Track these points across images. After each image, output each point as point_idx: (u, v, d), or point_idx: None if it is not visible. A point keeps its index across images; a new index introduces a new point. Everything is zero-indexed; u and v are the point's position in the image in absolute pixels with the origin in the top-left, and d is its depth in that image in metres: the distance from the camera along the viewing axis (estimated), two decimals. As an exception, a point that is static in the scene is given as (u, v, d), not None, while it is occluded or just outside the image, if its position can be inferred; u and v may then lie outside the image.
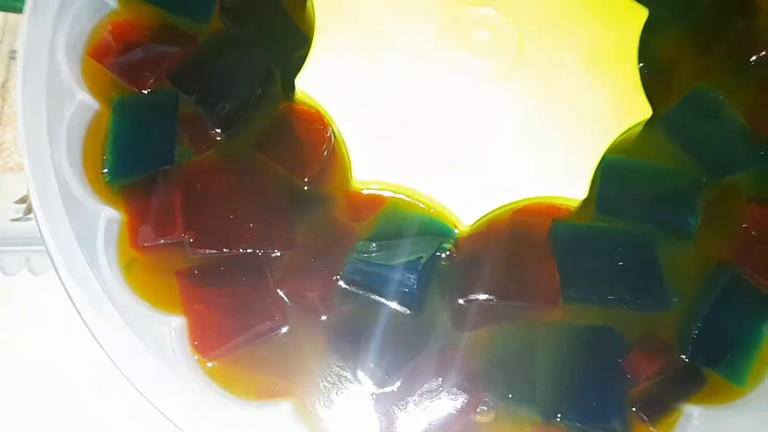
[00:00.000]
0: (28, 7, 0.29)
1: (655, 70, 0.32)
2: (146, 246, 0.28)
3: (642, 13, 0.31)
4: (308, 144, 0.29)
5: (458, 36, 0.30)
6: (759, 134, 0.31)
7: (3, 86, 0.41)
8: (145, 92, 0.30)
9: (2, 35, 0.43)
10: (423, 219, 0.29)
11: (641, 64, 0.31)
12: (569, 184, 0.29)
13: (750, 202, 0.31)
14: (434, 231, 0.29)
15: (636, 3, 0.32)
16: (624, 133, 0.30)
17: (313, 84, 0.29)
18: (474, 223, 0.28)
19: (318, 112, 0.29)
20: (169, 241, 0.28)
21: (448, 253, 0.28)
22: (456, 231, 0.29)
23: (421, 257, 0.28)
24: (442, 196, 0.28)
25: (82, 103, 0.29)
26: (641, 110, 0.30)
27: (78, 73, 0.30)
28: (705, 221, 0.30)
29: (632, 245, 0.29)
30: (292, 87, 0.30)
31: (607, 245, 0.29)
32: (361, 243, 0.28)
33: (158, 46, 0.31)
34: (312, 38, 0.30)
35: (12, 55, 0.42)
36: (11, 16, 0.43)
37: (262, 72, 0.30)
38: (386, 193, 0.29)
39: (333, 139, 0.29)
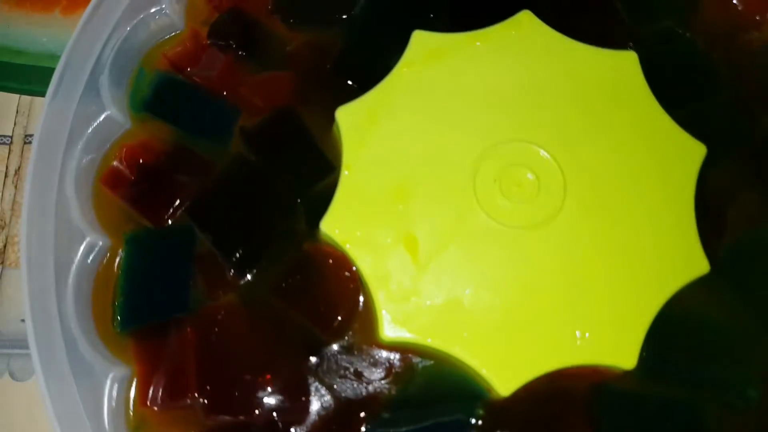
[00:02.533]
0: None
1: (713, 211, 0.30)
2: (158, 407, 0.26)
3: (699, 150, 0.29)
4: (332, 292, 0.27)
5: (497, 176, 0.28)
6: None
7: (17, 173, 0.39)
8: (161, 227, 0.28)
9: (16, 116, 0.41)
10: (454, 380, 0.27)
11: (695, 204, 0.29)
12: (617, 350, 0.26)
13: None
14: (466, 395, 0.27)
15: (693, 139, 0.29)
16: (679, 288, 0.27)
17: (340, 223, 0.27)
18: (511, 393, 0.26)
19: (345, 255, 0.27)
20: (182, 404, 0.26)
21: (479, 420, 0.26)
22: (488, 393, 0.26)
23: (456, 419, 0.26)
24: (475, 357, 0.26)
25: (92, 245, 0.27)
26: (698, 264, 0.27)
27: (88, 208, 0.28)
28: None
29: (681, 414, 0.27)
30: (317, 223, 0.28)
31: (654, 413, 0.27)
32: (387, 413, 0.26)
33: (174, 173, 0.29)
34: (339, 167, 0.28)
35: (26, 140, 0.40)
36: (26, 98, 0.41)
37: (284, 206, 0.28)
38: (415, 354, 0.27)
39: (360, 288, 0.27)
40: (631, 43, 0.31)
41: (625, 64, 0.30)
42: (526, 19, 0.30)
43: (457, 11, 0.32)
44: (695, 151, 0.29)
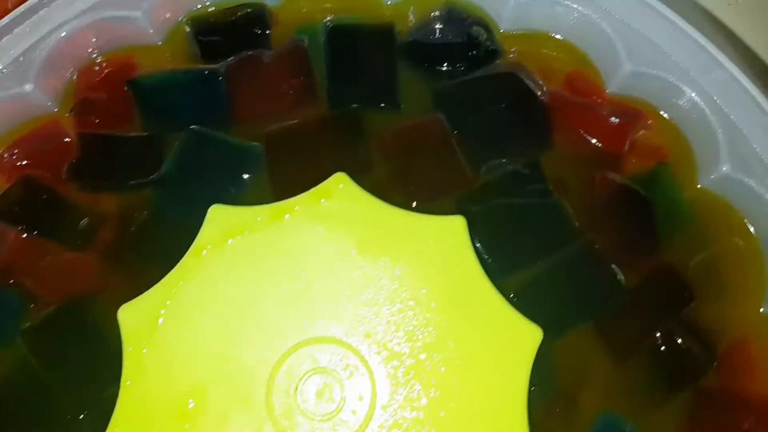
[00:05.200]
0: None
1: (555, 395, 0.26)
2: None
3: (534, 335, 0.25)
4: None
5: (297, 386, 0.24)
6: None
7: None
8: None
9: None
10: None
11: (532, 387, 0.25)
12: None
13: None
14: None
15: (528, 322, 0.25)
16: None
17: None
18: None
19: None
20: None
21: None
22: None
23: None
24: None
25: None
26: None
27: None
28: None
29: None
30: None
31: None
32: None
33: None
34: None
35: None
36: None
37: (62, 424, 0.25)
38: None
39: None
40: (467, 198, 0.28)
41: (452, 232, 0.26)
42: (340, 183, 0.26)
43: (275, 173, 0.28)
44: (531, 337, 0.25)
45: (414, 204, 0.28)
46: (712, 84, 0.27)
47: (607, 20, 0.28)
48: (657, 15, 0.27)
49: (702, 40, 0.27)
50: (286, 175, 0.28)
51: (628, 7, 0.28)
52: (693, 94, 0.28)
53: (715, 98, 0.27)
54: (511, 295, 0.27)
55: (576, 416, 0.26)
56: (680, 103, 0.28)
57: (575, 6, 0.29)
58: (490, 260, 0.27)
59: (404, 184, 0.28)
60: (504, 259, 0.27)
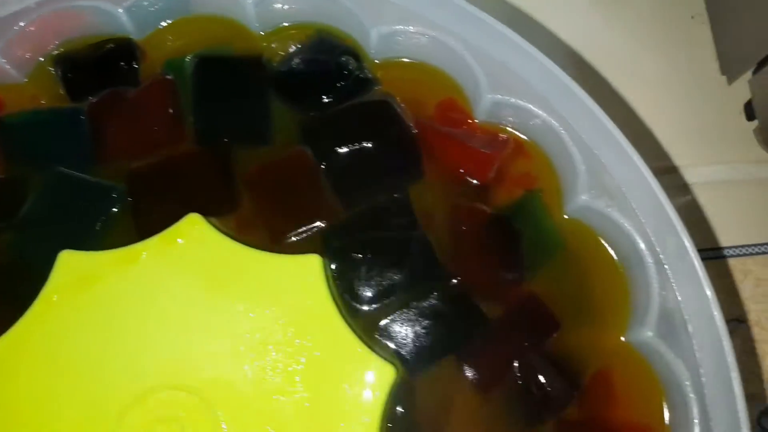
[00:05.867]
0: None
1: (416, 429, 0.26)
2: None
3: (388, 373, 0.25)
4: None
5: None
6: None
7: None
8: None
9: None
10: None
11: (390, 424, 0.25)
12: None
13: None
14: None
15: (382, 360, 0.25)
16: None
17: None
18: None
19: None
20: None
21: None
22: None
23: None
24: None
25: None
26: None
27: None
28: None
29: None
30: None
31: None
32: None
33: None
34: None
35: None
36: None
37: None
38: None
39: None
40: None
41: (306, 271, 0.25)
42: (193, 224, 0.26)
43: (139, 212, 0.28)
44: (383, 375, 0.25)
45: (280, 240, 0.28)
46: (571, 111, 0.27)
47: (468, 49, 0.28)
48: (515, 45, 0.27)
49: (557, 70, 0.26)
50: (150, 215, 0.28)
51: (488, 37, 0.28)
52: (553, 121, 0.28)
53: (575, 126, 0.27)
54: (375, 333, 0.27)
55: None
56: (543, 130, 0.28)
57: (437, 35, 0.29)
58: (350, 297, 0.27)
59: (269, 221, 0.28)
60: (365, 295, 0.27)
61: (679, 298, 0.25)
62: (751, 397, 0.38)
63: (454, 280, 0.27)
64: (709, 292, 0.25)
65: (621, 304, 0.27)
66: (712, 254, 0.40)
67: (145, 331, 0.25)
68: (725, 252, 0.40)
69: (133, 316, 0.25)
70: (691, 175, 0.41)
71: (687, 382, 0.25)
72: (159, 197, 0.28)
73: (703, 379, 0.24)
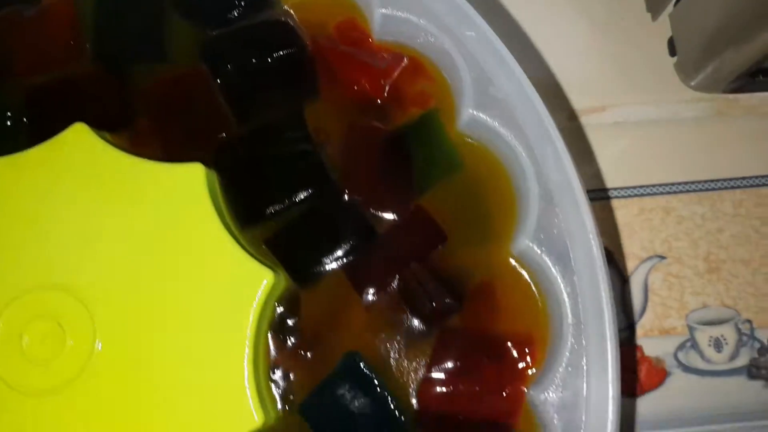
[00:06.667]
0: None
1: (300, 337, 0.26)
2: None
3: (263, 277, 0.25)
4: None
5: (19, 333, 0.24)
6: (426, 419, 0.25)
7: None
8: None
9: None
10: None
11: (273, 331, 0.26)
12: None
13: None
14: None
15: (259, 265, 0.25)
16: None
17: None
18: None
19: None
20: None
21: None
22: None
23: None
24: None
25: None
26: (247, 417, 0.24)
27: None
28: None
29: None
30: None
31: None
32: None
33: None
34: None
35: None
36: None
37: None
38: None
39: None
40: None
41: (188, 178, 0.26)
42: (77, 132, 0.26)
43: (34, 130, 0.28)
44: (259, 279, 0.25)
45: (173, 157, 0.28)
46: (458, 26, 0.27)
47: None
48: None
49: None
50: (43, 130, 0.28)
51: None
52: (446, 38, 0.28)
53: (463, 41, 0.27)
54: (262, 246, 0.27)
55: (320, 356, 0.26)
56: (436, 48, 0.28)
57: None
58: (239, 211, 0.27)
59: (163, 137, 0.28)
60: (254, 209, 0.27)
61: (557, 209, 0.25)
62: (672, 331, 0.38)
63: (345, 196, 0.27)
64: (582, 202, 0.25)
65: (507, 218, 0.27)
66: (637, 192, 0.40)
67: (25, 233, 0.25)
68: (649, 190, 0.40)
69: (14, 219, 0.25)
70: (618, 114, 0.40)
71: (563, 291, 0.25)
72: (53, 112, 0.28)
73: (578, 287, 0.25)
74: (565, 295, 0.25)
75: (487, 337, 0.26)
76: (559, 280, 0.25)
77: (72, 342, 0.24)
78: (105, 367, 0.24)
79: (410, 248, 0.27)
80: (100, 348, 0.24)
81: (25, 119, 0.28)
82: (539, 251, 0.26)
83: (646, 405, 0.37)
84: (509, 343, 0.26)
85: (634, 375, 0.37)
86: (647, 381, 0.37)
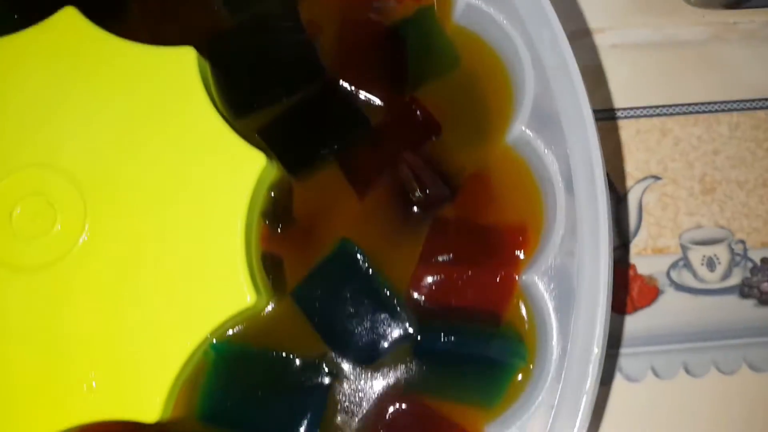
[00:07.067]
0: None
1: (293, 225, 0.26)
2: None
3: (257, 161, 0.25)
4: None
5: (11, 210, 0.24)
6: (418, 304, 0.25)
7: None
8: None
9: None
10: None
11: (273, 223, 0.25)
12: (135, 402, 0.23)
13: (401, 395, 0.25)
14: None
15: (252, 149, 0.25)
16: (226, 322, 0.24)
17: None
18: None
19: None
20: None
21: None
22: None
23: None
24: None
25: None
26: (240, 295, 0.24)
27: None
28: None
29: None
30: None
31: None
32: None
33: None
34: None
35: None
36: None
37: None
38: None
39: None
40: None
41: (180, 62, 0.25)
42: (67, 17, 0.26)
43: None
44: (252, 163, 0.25)
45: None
46: None
47: None
48: None
49: None
50: (35, 16, 0.27)
51: None
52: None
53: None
54: (255, 135, 0.27)
55: (313, 245, 0.26)
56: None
57: None
58: (231, 101, 0.27)
59: (154, 28, 0.28)
60: (247, 98, 0.27)
61: (553, 90, 0.25)
62: (665, 250, 0.38)
63: (338, 86, 0.27)
64: (578, 83, 0.24)
65: (503, 110, 0.27)
66: (633, 113, 0.39)
67: (18, 114, 0.25)
68: (646, 111, 0.39)
69: (7, 99, 0.25)
70: (617, 36, 0.40)
71: (557, 174, 0.25)
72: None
73: (572, 167, 0.24)
74: (559, 177, 0.25)
75: (480, 225, 0.26)
76: (554, 163, 0.25)
77: (62, 220, 0.24)
78: (96, 247, 0.24)
79: (404, 139, 0.27)
80: (90, 228, 0.24)
81: (14, 2, 0.28)
82: (533, 135, 0.25)
83: (638, 322, 0.37)
84: (502, 230, 0.26)
85: (627, 292, 0.37)
86: (639, 299, 0.37)
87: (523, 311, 0.25)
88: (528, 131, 0.25)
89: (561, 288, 0.24)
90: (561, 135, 0.25)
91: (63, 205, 0.24)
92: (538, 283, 0.25)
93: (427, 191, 0.26)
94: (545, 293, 0.24)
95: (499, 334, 0.25)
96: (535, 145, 0.25)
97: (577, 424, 0.23)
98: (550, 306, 0.24)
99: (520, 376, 0.24)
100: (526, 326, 0.25)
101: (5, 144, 0.25)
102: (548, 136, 0.25)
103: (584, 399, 0.23)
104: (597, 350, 0.23)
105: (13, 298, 0.24)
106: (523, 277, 0.25)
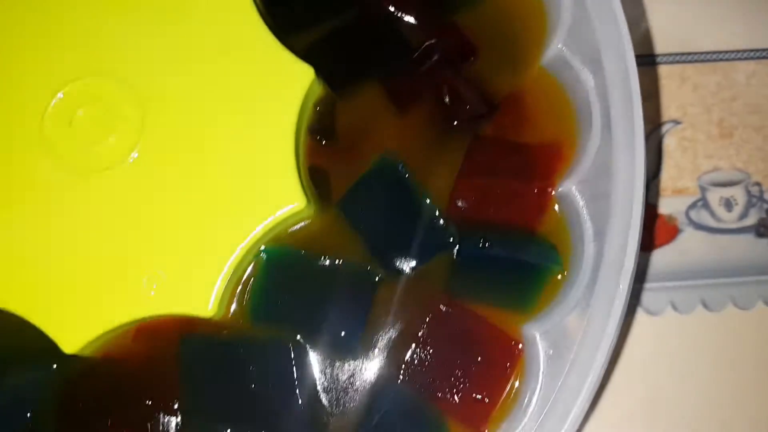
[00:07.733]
0: None
1: (333, 139, 0.27)
2: None
3: (306, 74, 0.26)
4: None
5: (70, 117, 0.25)
6: (458, 215, 0.27)
7: None
8: None
9: None
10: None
11: (318, 137, 0.27)
12: (190, 296, 0.24)
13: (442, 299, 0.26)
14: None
15: (300, 62, 0.26)
16: (276, 226, 0.25)
17: None
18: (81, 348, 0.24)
19: None
20: None
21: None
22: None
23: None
24: (38, 314, 0.24)
25: None
26: (292, 197, 0.25)
27: None
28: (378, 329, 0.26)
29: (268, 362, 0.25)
30: None
31: (240, 364, 0.25)
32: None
33: None
34: None
35: None
36: None
37: None
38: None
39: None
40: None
41: (231, -18, 0.27)
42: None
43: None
44: (302, 75, 0.26)
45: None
46: None
47: None
48: None
49: None
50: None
51: None
52: None
53: None
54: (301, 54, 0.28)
55: (356, 159, 0.27)
56: None
57: None
58: (277, 19, 0.28)
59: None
60: (292, 17, 0.28)
61: (591, 15, 0.26)
62: (684, 191, 0.40)
63: (384, 9, 0.28)
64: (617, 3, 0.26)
65: (538, 32, 0.28)
66: (653, 60, 0.41)
67: (64, 28, 0.26)
68: (666, 59, 0.41)
69: (49, 18, 0.26)
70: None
71: (593, 90, 0.26)
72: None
73: (608, 84, 0.26)
74: (595, 94, 0.26)
75: (517, 143, 0.27)
76: (588, 77, 0.26)
77: (121, 127, 0.25)
78: (152, 153, 0.25)
79: (443, 59, 0.28)
80: (147, 135, 0.25)
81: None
82: (568, 51, 0.27)
83: (658, 258, 0.38)
84: (538, 147, 0.27)
85: (648, 230, 0.38)
86: (660, 237, 0.38)
87: (559, 220, 0.26)
88: (564, 49, 0.27)
89: (596, 195, 0.25)
90: (597, 49, 0.26)
91: (122, 113, 0.25)
92: (575, 192, 0.26)
93: (468, 106, 0.27)
94: (580, 201, 0.26)
95: (536, 242, 0.26)
96: (572, 62, 0.26)
97: (610, 323, 0.24)
98: (584, 213, 0.25)
99: (556, 279, 0.26)
100: (562, 234, 0.26)
101: (76, 48, 0.26)
102: (585, 52, 0.26)
103: (616, 301, 0.24)
104: (632, 250, 0.24)
105: (74, 198, 0.25)
106: (559, 189, 0.26)
